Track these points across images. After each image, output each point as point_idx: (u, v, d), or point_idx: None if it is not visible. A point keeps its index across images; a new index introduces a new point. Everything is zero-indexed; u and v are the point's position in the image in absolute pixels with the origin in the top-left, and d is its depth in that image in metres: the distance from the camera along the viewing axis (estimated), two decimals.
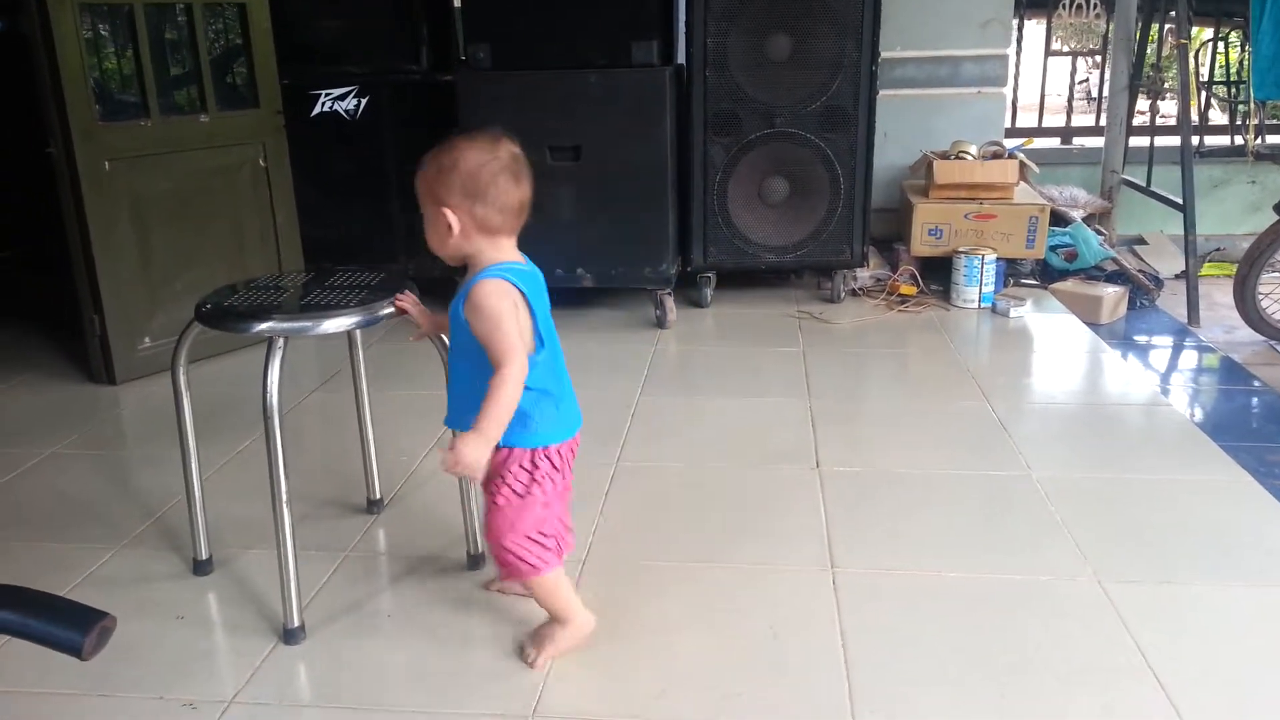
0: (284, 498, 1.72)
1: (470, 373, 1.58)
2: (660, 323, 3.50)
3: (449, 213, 1.53)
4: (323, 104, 3.58)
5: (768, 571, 1.95)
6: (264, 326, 1.70)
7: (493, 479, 1.63)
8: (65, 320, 3.37)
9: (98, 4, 3.04)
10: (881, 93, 3.61)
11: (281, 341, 1.69)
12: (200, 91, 3.17)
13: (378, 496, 2.26)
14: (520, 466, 1.60)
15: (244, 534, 2.13)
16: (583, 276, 3.49)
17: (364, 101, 3.59)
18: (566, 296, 3.66)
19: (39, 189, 3.28)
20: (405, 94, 3.61)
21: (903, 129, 4.31)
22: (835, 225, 3.59)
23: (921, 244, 3.83)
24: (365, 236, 3.73)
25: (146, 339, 3.02)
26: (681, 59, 3.57)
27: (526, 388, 1.53)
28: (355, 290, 1.85)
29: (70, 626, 0.80)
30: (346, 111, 3.59)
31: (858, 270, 3.77)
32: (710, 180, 3.54)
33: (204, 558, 2.01)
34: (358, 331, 1.99)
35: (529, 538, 1.63)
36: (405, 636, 1.79)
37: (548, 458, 1.62)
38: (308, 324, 1.73)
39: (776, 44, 3.42)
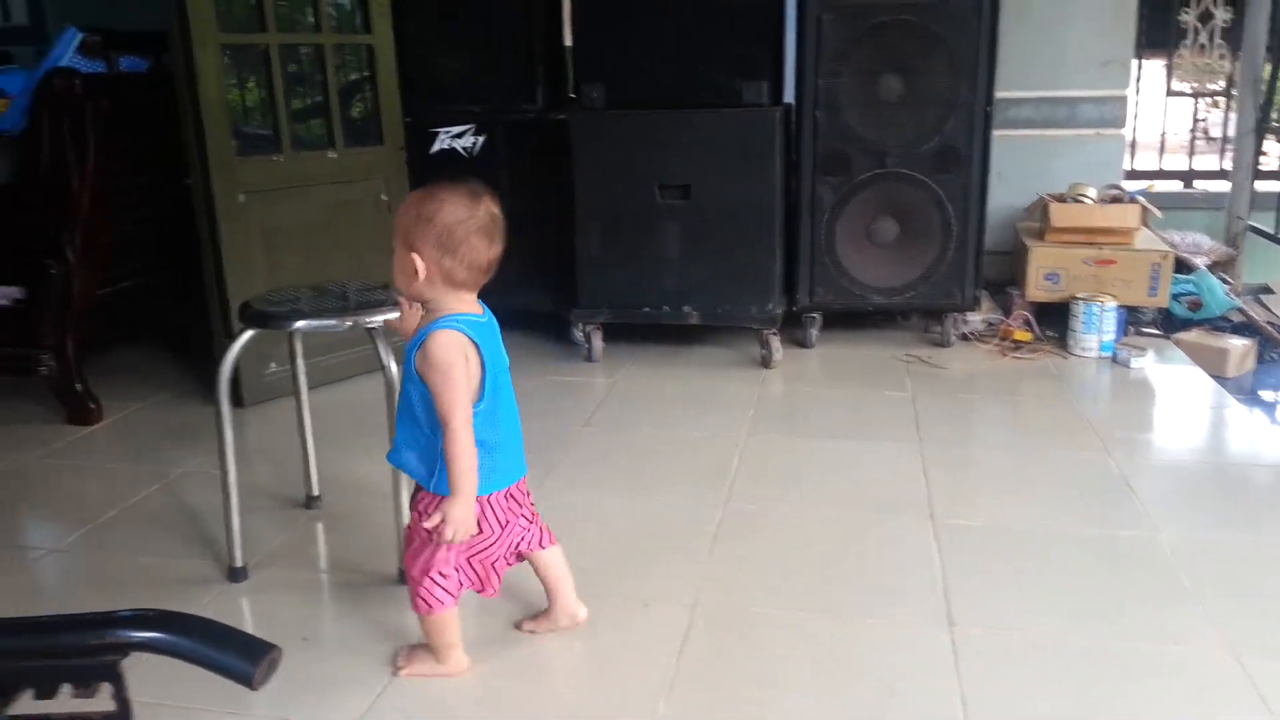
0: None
1: (412, 406, 1.66)
2: (765, 362, 3.49)
3: (417, 259, 1.59)
4: (442, 141, 3.70)
5: (882, 626, 1.92)
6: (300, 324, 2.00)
7: (416, 515, 1.71)
8: (194, 344, 3.53)
9: (236, 45, 3.21)
10: (996, 133, 3.54)
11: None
12: (329, 128, 3.31)
13: None
14: (439, 510, 1.63)
15: (368, 557, 2.20)
16: (689, 314, 3.51)
17: (481, 140, 3.69)
18: (672, 333, 3.69)
19: (167, 219, 3.47)
20: (521, 132, 3.69)
21: (1018, 170, 4.21)
22: (946, 268, 3.53)
23: (1037, 289, 3.73)
24: None
25: (273, 364, 3.14)
26: (790, 98, 3.58)
27: None
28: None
29: (243, 657, 0.84)
30: (464, 149, 3.70)
31: (968, 314, 3.70)
32: (819, 220, 3.53)
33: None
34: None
35: (430, 578, 1.70)
36: (496, 662, 1.81)
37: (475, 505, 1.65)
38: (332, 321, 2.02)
39: (888, 84, 3.40)
